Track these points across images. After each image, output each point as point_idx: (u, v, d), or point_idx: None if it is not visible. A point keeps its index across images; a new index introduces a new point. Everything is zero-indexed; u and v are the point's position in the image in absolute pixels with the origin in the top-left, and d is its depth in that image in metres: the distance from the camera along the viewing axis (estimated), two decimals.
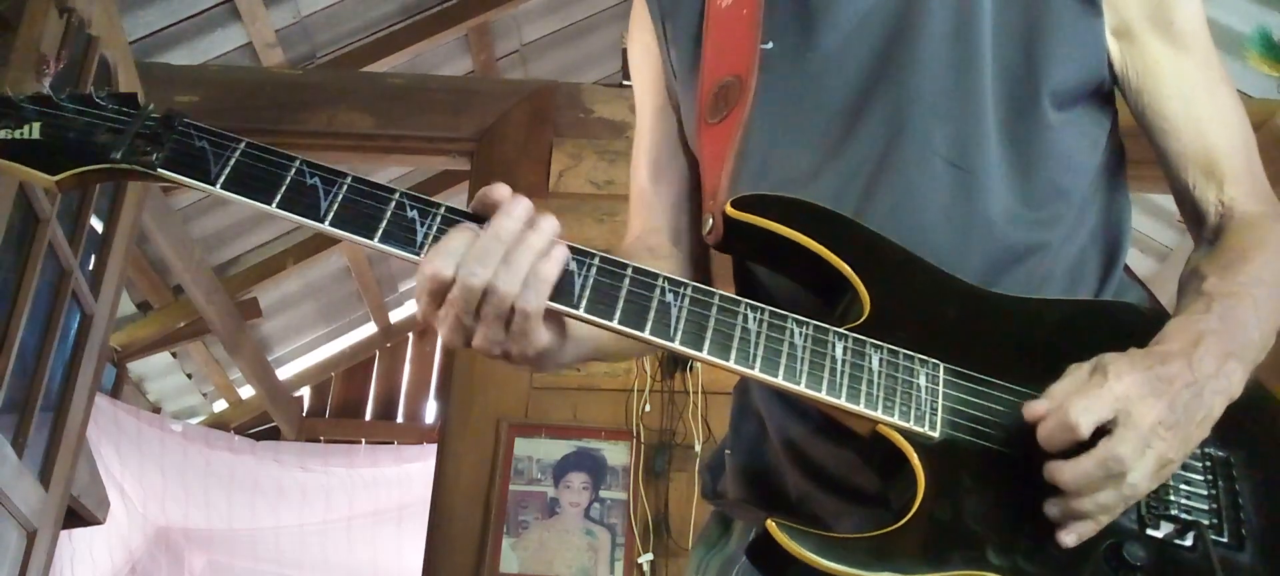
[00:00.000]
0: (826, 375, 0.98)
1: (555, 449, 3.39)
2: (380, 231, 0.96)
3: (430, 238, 0.96)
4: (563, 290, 0.96)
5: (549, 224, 0.96)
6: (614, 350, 1.12)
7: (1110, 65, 1.17)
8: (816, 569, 0.91)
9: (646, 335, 0.96)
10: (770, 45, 1.19)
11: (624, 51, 3.89)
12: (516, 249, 0.93)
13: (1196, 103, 1.17)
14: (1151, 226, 4.64)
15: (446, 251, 0.92)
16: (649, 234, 1.31)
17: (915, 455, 0.98)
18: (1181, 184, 1.18)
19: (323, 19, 4.65)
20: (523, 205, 0.95)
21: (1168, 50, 1.17)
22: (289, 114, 3.91)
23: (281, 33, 4.52)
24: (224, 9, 4.30)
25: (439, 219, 0.97)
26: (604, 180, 3.80)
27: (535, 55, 5.57)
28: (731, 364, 0.97)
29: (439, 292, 0.93)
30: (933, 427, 0.99)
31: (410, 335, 7.61)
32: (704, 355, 0.97)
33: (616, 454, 3.38)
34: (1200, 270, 1.10)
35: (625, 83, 3.99)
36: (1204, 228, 1.17)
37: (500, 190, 0.97)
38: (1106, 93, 1.20)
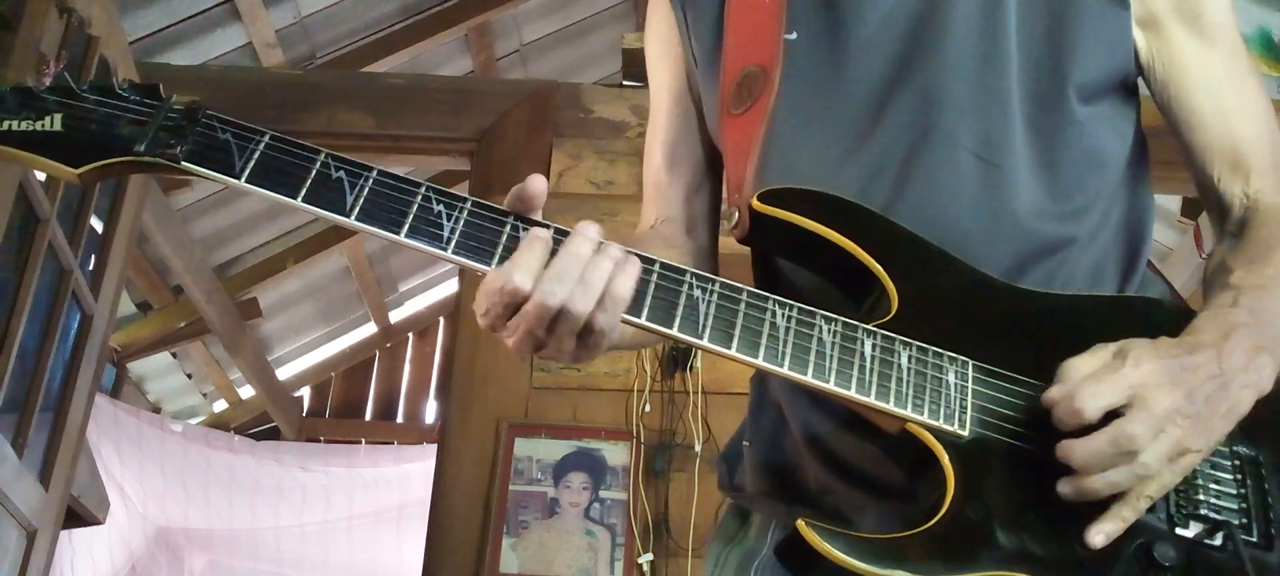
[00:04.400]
0: (856, 372, 0.98)
1: (555, 449, 3.38)
2: (407, 226, 0.94)
3: (457, 232, 0.95)
4: None
5: (616, 248, 0.96)
6: (631, 341, 1.12)
7: (1136, 57, 1.17)
8: (846, 569, 0.90)
9: (675, 332, 0.96)
10: (794, 35, 1.18)
11: (624, 52, 3.91)
12: (591, 270, 0.93)
13: (1223, 95, 1.16)
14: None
15: (523, 267, 0.92)
16: (662, 223, 1.31)
17: (945, 455, 0.97)
18: (1206, 177, 1.17)
19: (323, 19, 4.65)
20: (594, 228, 0.96)
21: (1195, 42, 1.16)
22: (289, 114, 3.90)
23: (281, 33, 4.52)
24: (224, 9, 4.30)
25: (466, 213, 0.96)
26: (604, 180, 3.79)
27: (535, 55, 5.57)
28: (760, 361, 0.97)
29: (514, 307, 0.93)
30: (962, 426, 0.99)
31: (410, 335, 7.60)
32: (732, 353, 0.96)
33: (616, 454, 3.38)
34: (1227, 264, 1.10)
35: (625, 83, 3.98)
36: (1228, 220, 1.16)
37: (538, 183, 0.97)
38: (1131, 85, 1.20)
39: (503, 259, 0.96)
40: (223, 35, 4.40)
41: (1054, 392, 0.96)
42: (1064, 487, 0.95)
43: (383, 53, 4.84)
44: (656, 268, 0.98)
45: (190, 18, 4.26)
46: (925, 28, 1.15)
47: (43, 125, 0.95)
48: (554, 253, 0.94)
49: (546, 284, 0.92)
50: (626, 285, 0.94)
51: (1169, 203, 4.31)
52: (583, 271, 0.93)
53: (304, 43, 4.68)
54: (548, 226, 0.97)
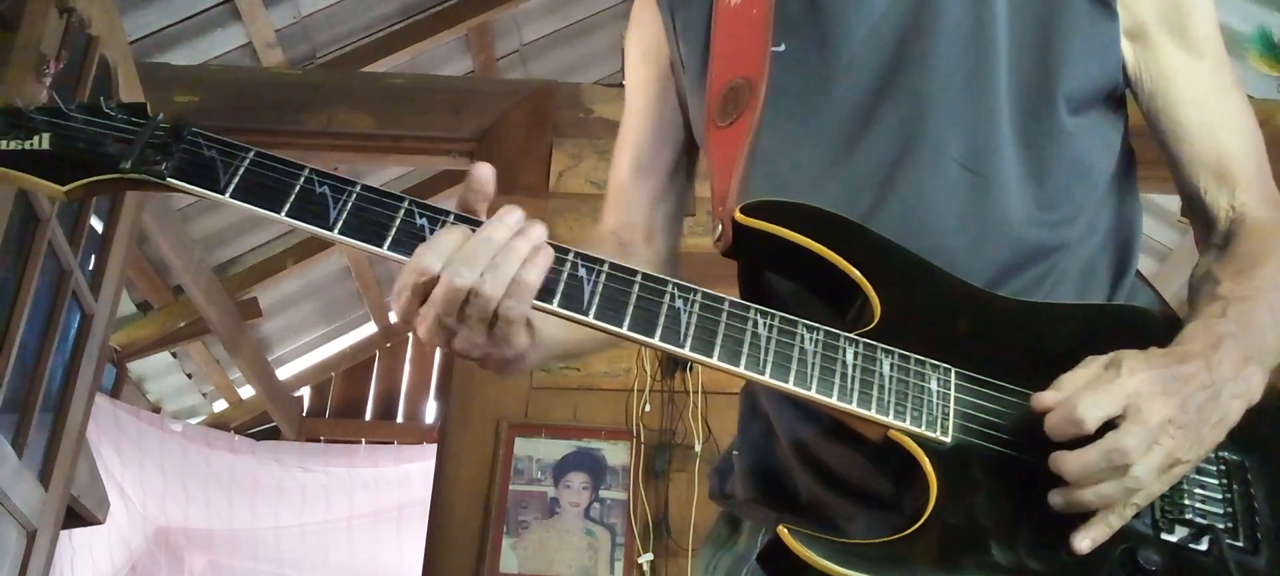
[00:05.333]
0: (837, 380, 0.98)
1: (555, 449, 3.38)
2: (389, 239, 0.96)
3: None
4: (572, 297, 0.96)
5: (538, 231, 0.96)
6: (591, 348, 1.12)
7: (1124, 68, 1.17)
8: (828, 575, 0.91)
9: (657, 341, 0.96)
10: (782, 48, 1.18)
11: (624, 51, 3.90)
12: (504, 254, 0.93)
13: (1209, 108, 1.17)
14: (1151, 226, 4.65)
15: (435, 249, 0.93)
16: (623, 228, 1.32)
17: (927, 460, 0.98)
18: (1193, 188, 1.18)
19: (323, 19, 4.65)
20: (516, 214, 0.96)
21: (1181, 54, 1.17)
22: (289, 114, 3.91)
23: (281, 33, 4.52)
24: (224, 9, 4.30)
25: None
26: (604, 180, 3.76)
27: (535, 55, 5.57)
28: (742, 369, 0.97)
29: (423, 289, 0.93)
30: (944, 432, 0.99)
31: (410, 335, 7.60)
32: (714, 361, 0.97)
33: (616, 454, 3.38)
34: (1214, 274, 1.10)
35: (625, 83, 3.98)
36: (1215, 232, 1.16)
37: (484, 171, 0.98)
38: (1119, 97, 1.20)
39: (482, 270, 0.95)
40: (223, 35, 4.40)
41: (1048, 399, 0.95)
42: (1055, 498, 0.95)
43: (383, 53, 4.84)
44: (638, 277, 0.99)
45: (190, 18, 4.26)
46: (912, 38, 1.15)
47: (31, 144, 0.97)
48: None
49: (454, 266, 0.92)
50: (535, 274, 0.94)
51: (1169, 203, 4.31)
52: (494, 255, 0.93)
53: (304, 43, 4.68)
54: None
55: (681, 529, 3.27)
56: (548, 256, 0.96)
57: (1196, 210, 1.19)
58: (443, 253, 0.93)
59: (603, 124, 3.90)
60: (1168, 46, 1.17)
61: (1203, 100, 1.17)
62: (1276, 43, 3.57)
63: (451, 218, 0.97)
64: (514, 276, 0.93)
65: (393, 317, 7.12)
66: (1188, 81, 1.16)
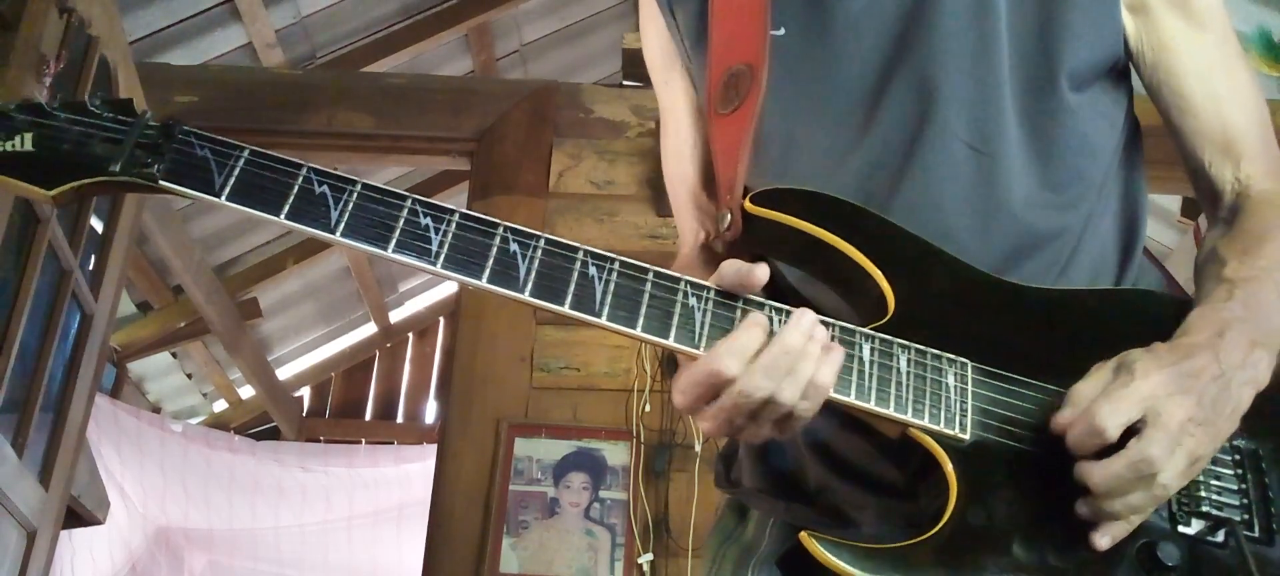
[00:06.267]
0: (855, 378, 0.97)
1: (555, 449, 3.38)
2: (393, 241, 0.93)
3: (446, 245, 0.93)
4: (583, 300, 0.94)
5: (823, 332, 0.95)
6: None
7: (1125, 42, 1.16)
8: None
9: (671, 342, 0.94)
10: (782, 32, 1.17)
11: (624, 52, 3.91)
12: (799, 360, 0.92)
13: (1213, 80, 1.16)
14: (1152, 226, 4.64)
15: (733, 352, 0.91)
16: (715, 241, 1.27)
17: (948, 460, 0.97)
18: (1197, 161, 1.17)
19: (323, 19, 4.65)
20: (809, 317, 0.95)
21: (1184, 27, 1.15)
22: (289, 114, 3.90)
23: (281, 33, 4.52)
24: (224, 9, 4.30)
25: (454, 225, 0.94)
26: (604, 180, 3.79)
27: (535, 55, 5.57)
28: None
29: (716, 389, 0.92)
30: (963, 430, 0.98)
31: (410, 335, 7.60)
32: None
33: (616, 454, 3.38)
34: (1219, 253, 1.09)
35: (625, 83, 3.98)
36: (1220, 206, 1.16)
37: (763, 275, 0.96)
38: (1122, 70, 1.19)
39: (494, 272, 0.93)
40: (223, 35, 4.40)
41: (1066, 416, 0.95)
42: (1081, 509, 0.94)
43: (383, 53, 4.83)
44: (650, 276, 0.97)
45: (190, 18, 4.25)
46: (914, 20, 1.14)
47: (13, 145, 0.92)
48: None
49: (753, 377, 0.91)
50: (829, 375, 0.93)
51: (1169, 202, 4.31)
52: (792, 364, 0.92)
53: (304, 43, 4.68)
54: (762, 304, 0.96)
55: (681, 529, 3.27)
56: (839, 355, 0.95)
57: (1201, 184, 1.18)
58: (741, 356, 0.91)
59: (603, 124, 3.90)
60: (1169, 19, 1.15)
61: (1206, 72, 1.15)
62: (1276, 43, 3.56)
63: (457, 215, 0.95)
64: (809, 380, 0.92)
65: (392, 318, 7.13)
66: (1190, 53, 1.15)
